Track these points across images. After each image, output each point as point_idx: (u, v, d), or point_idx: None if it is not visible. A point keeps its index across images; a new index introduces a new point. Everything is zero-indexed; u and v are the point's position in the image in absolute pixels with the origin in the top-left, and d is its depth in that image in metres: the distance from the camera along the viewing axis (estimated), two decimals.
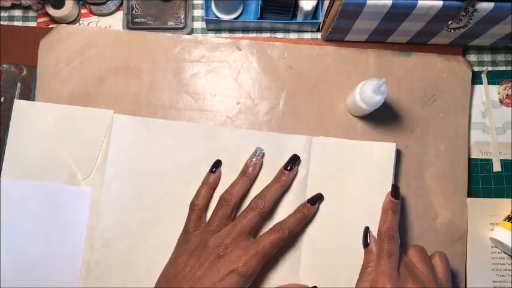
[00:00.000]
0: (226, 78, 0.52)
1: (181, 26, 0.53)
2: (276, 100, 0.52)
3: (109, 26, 0.54)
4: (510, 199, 0.51)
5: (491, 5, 0.43)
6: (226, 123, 0.51)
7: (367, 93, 0.44)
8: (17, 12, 0.55)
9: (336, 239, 0.47)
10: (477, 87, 0.54)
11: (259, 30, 0.54)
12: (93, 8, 0.53)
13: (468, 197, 0.50)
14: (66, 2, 0.52)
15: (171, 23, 0.53)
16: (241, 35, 0.54)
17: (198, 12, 0.55)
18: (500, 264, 0.50)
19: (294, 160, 0.48)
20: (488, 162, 0.52)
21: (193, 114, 0.51)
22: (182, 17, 0.53)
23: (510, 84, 0.53)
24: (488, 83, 0.53)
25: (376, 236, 0.45)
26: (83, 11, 0.55)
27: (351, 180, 0.48)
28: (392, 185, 0.46)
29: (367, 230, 0.45)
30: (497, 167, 0.52)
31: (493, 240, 0.49)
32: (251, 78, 0.52)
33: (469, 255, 0.49)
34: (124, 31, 0.53)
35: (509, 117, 0.53)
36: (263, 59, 0.52)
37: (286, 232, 0.44)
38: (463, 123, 0.52)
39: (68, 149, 0.50)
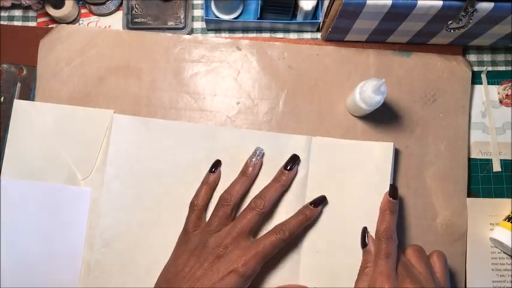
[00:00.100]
0: (226, 78, 0.52)
1: (181, 26, 0.53)
2: (276, 100, 0.52)
3: (109, 26, 0.54)
4: (510, 199, 0.51)
5: (491, 5, 0.43)
6: (226, 123, 0.51)
7: (367, 93, 0.44)
8: (17, 12, 0.55)
9: (336, 239, 0.47)
10: (477, 87, 0.54)
11: (259, 30, 0.54)
12: (93, 8, 0.53)
13: (468, 197, 0.50)
14: (66, 2, 0.52)
15: (171, 23, 0.53)
16: (241, 35, 0.54)
17: (198, 12, 0.55)
18: (500, 264, 0.50)
19: (294, 160, 0.48)
20: (488, 162, 0.52)
21: (193, 114, 0.51)
22: (182, 17, 0.53)
23: (510, 84, 0.53)
24: (488, 83, 0.53)
25: (374, 236, 0.45)
26: (83, 11, 0.55)
27: (351, 180, 0.48)
28: (390, 185, 0.46)
29: (365, 230, 0.45)
30: (497, 167, 0.52)
31: (493, 240, 0.49)
32: (251, 78, 0.52)
33: (469, 255, 0.49)
34: (124, 31, 0.53)
35: (509, 117, 0.53)
36: (263, 59, 0.52)
37: (287, 233, 0.44)
38: (463, 123, 0.52)
39: (67, 149, 0.50)
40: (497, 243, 0.49)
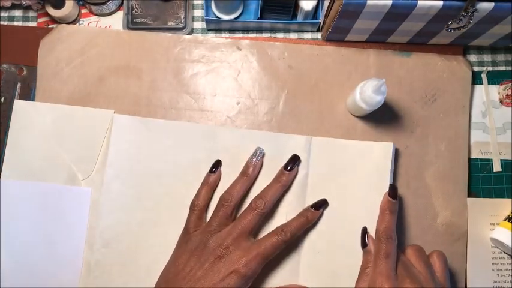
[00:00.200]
0: (227, 78, 0.52)
1: (181, 26, 0.53)
2: (276, 100, 0.52)
3: (109, 26, 0.54)
4: (510, 199, 0.51)
5: (491, 5, 0.43)
6: (226, 123, 0.51)
7: (367, 93, 0.44)
8: (17, 12, 0.55)
9: (336, 240, 0.47)
10: (477, 87, 0.54)
11: (259, 30, 0.54)
12: (93, 8, 0.53)
13: (468, 197, 0.50)
14: (66, 2, 0.52)
15: (171, 23, 0.53)
16: (241, 35, 0.54)
17: (198, 12, 0.55)
18: (501, 264, 0.50)
19: (294, 160, 0.48)
20: (488, 162, 0.52)
21: (193, 114, 0.51)
22: (182, 17, 0.53)
23: (510, 84, 0.53)
24: (489, 83, 0.53)
25: (374, 236, 0.45)
26: (83, 11, 0.55)
27: (351, 180, 0.48)
28: (390, 184, 0.46)
29: (365, 230, 0.45)
30: (497, 167, 0.52)
31: (493, 240, 0.49)
32: (251, 78, 0.52)
33: (469, 255, 0.49)
34: (124, 31, 0.53)
35: (509, 117, 0.53)
36: (263, 59, 0.52)
37: (288, 235, 0.44)
38: (463, 123, 0.52)
39: (67, 149, 0.50)
40: (497, 243, 0.49)
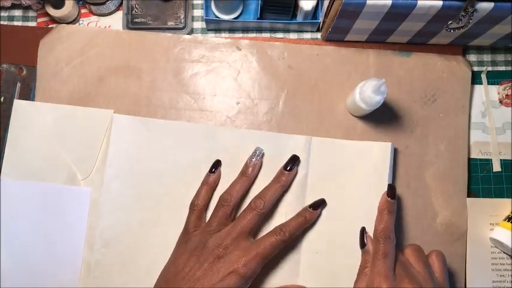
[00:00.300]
0: (226, 78, 0.52)
1: (181, 26, 0.53)
2: (276, 100, 0.52)
3: (109, 26, 0.54)
4: (510, 199, 0.51)
5: (491, 5, 0.43)
6: (226, 123, 0.51)
7: (367, 93, 0.44)
8: (17, 12, 0.55)
9: (335, 240, 0.47)
10: (477, 87, 0.54)
11: (259, 30, 0.54)
12: (93, 8, 0.53)
13: (468, 197, 0.50)
14: (66, 2, 0.52)
15: (171, 23, 0.53)
16: (241, 35, 0.54)
17: (198, 12, 0.55)
18: (500, 264, 0.50)
19: (294, 160, 0.48)
20: (488, 162, 0.52)
21: (193, 114, 0.51)
22: (182, 17, 0.53)
23: (510, 84, 0.53)
24: (488, 83, 0.53)
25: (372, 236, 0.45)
26: (83, 11, 0.55)
27: (350, 180, 0.48)
28: (388, 184, 0.46)
29: (363, 231, 0.45)
30: (497, 167, 0.52)
31: (493, 240, 0.49)
32: (251, 78, 0.52)
33: (469, 255, 0.49)
34: (124, 31, 0.53)
35: (509, 117, 0.53)
36: (263, 59, 0.52)
37: (287, 235, 0.44)
38: (463, 123, 0.52)
39: (67, 149, 0.50)
40: (497, 243, 0.49)
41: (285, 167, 0.47)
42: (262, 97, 0.52)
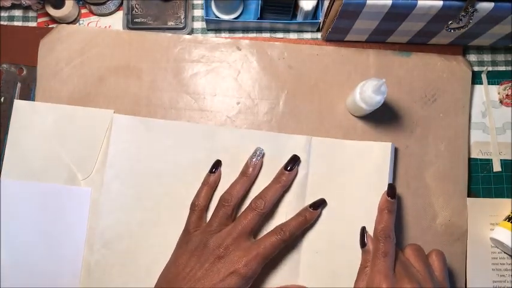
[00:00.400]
0: (226, 78, 0.52)
1: (181, 26, 0.53)
2: (276, 100, 0.52)
3: (109, 26, 0.54)
4: (510, 199, 0.51)
5: (491, 5, 0.43)
6: (226, 123, 0.51)
7: (367, 93, 0.44)
8: (17, 12, 0.55)
9: (335, 239, 0.47)
10: (477, 87, 0.54)
11: (259, 30, 0.54)
12: (93, 8, 0.53)
13: (468, 197, 0.50)
14: (66, 2, 0.52)
15: (171, 23, 0.53)
16: (241, 35, 0.54)
17: (198, 12, 0.55)
18: (501, 264, 0.50)
19: (294, 160, 0.48)
20: (488, 162, 0.52)
21: (193, 114, 0.51)
22: (182, 17, 0.53)
23: (510, 84, 0.53)
24: (488, 83, 0.53)
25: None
26: (83, 11, 0.55)
27: (350, 180, 0.48)
28: (388, 184, 0.46)
29: (363, 230, 0.45)
30: (497, 167, 0.52)
31: (493, 240, 0.49)
32: (251, 78, 0.52)
33: (469, 255, 0.49)
34: (124, 31, 0.53)
35: (509, 117, 0.53)
36: (263, 59, 0.52)
37: (288, 234, 0.44)
38: (463, 123, 0.52)
39: (67, 149, 0.50)
40: (497, 243, 0.49)
41: (285, 167, 0.47)
42: (263, 97, 0.52)
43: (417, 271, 0.42)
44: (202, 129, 0.50)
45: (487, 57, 0.54)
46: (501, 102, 0.53)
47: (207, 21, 0.53)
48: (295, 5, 0.51)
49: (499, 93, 0.53)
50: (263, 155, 0.49)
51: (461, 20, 0.44)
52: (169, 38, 0.52)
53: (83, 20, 0.55)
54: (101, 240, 0.48)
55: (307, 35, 0.54)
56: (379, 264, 0.41)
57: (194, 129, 0.50)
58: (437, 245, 0.49)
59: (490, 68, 0.54)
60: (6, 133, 0.50)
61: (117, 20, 0.54)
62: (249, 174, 0.47)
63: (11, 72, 0.53)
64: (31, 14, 0.55)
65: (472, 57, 0.54)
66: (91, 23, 0.55)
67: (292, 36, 0.54)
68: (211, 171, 0.48)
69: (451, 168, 0.51)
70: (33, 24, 0.55)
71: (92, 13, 0.55)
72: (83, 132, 0.50)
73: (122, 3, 0.54)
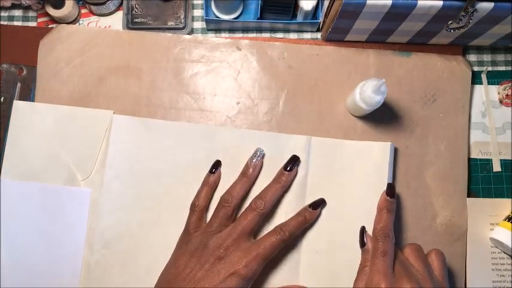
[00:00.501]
0: (226, 78, 0.52)
1: (181, 26, 0.53)
2: (276, 100, 0.52)
3: (109, 26, 0.54)
4: (510, 199, 0.51)
5: (491, 5, 0.43)
6: (226, 123, 0.51)
7: (367, 93, 0.44)
8: (17, 12, 0.55)
9: (335, 239, 0.47)
10: (477, 87, 0.54)
11: (259, 30, 0.54)
12: (93, 8, 0.53)
13: (468, 197, 0.50)
14: (66, 2, 0.52)
15: (171, 23, 0.53)
16: (241, 35, 0.54)
17: (198, 12, 0.55)
18: (500, 264, 0.50)
19: (294, 161, 0.48)
20: (488, 162, 0.52)
21: (193, 114, 0.51)
22: (182, 17, 0.53)
23: (510, 84, 0.53)
24: (488, 83, 0.53)
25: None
26: (83, 11, 0.55)
27: (350, 180, 0.48)
28: (387, 183, 0.46)
29: (363, 230, 0.45)
30: (497, 167, 0.52)
31: (493, 240, 0.49)
32: (251, 78, 0.52)
33: (469, 255, 0.49)
34: (124, 31, 0.53)
35: (509, 117, 0.53)
36: (263, 59, 0.52)
37: (287, 234, 0.44)
38: (463, 123, 0.52)
39: (67, 150, 0.50)
40: (497, 243, 0.49)
41: (285, 167, 0.47)
42: (262, 97, 0.52)
43: (416, 271, 0.42)
44: (202, 129, 0.50)
45: (487, 57, 0.54)
46: (501, 102, 0.53)
47: (207, 21, 0.53)
48: (295, 5, 0.51)
49: (498, 93, 0.53)
50: (263, 155, 0.49)
51: (461, 20, 0.44)
52: (169, 38, 0.52)
53: (83, 20, 0.55)
54: (100, 240, 0.48)
55: (307, 35, 0.54)
56: (378, 264, 0.41)
57: (194, 129, 0.50)
58: (437, 245, 0.49)
59: (490, 68, 0.54)
60: (6, 133, 0.50)
61: (117, 20, 0.54)
62: (249, 174, 0.47)
63: (11, 72, 0.53)
64: (31, 14, 0.55)
65: (472, 57, 0.54)
66: (91, 23, 0.55)
67: (292, 36, 0.54)
68: (211, 172, 0.48)
69: (451, 168, 0.51)
70: (33, 24, 0.55)
71: (92, 13, 0.55)
72: (83, 132, 0.50)
73: (121, 3, 0.54)
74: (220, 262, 0.42)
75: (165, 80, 0.52)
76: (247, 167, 0.48)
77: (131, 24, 0.53)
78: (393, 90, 0.51)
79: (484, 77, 0.54)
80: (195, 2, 0.55)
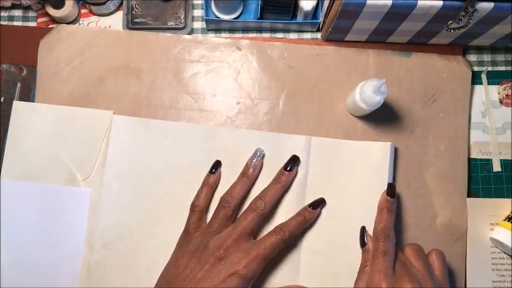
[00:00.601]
0: (226, 78, 0.52)
1: (181, 26, 0.53)
2: (276, 100, 0.52)
3: (109, 26, 0.54)
4: (510, 199, 0.51)
5: (491, 5, 0.43)
6: (226, 123, 0.51)
7: (367, 93, 0.44)
8: (17, 12, 0.55)
9: (335, 239, 0.47)
10: (477, 87, 0.54)
11: (259, 30, 0.54)
12: (93, 8, 0.53)
13: (468, 197, 0.50)
14: (66, 2, 0.52)
15: (171, 23, 0.53)
16: (241, 35, 0.54)
17: (198, 12, 0.55)
18: (500, 264, 0.50)
19: (294, 161, 0.48)
20: (488, 162, 0.52)
21: (193, 114, 0.51)
22: (182, 17, 0.53)
23: (510, 84, 0.53)
24: (488, 83, 0.53)
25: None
26: (83, 11, 0.55)
27: (350, 180, 0.48)
28: (388, 183, 0.46)
29: (363, 230, 0.45)
30: (497, 167, 0.52)
31: (493, 240, 0.49)
32: (251, 78, 0.52)
33: (469, 255, 0.49)
34: (124, 31, 0.53)
35: (509, 117, 0.53)
36: (263, 59, 0.52)
37: (287, 234, 0.44)
38: (463, 123, 0.52)
39: (67, 150, 0.50)
40: (497, 243, 0.49)
41: (285, 168, 0.47)
42: (262, 97, 0.52)
43: (417, 270, 0.42)
44: (202, 129, 0.50)
45: (487, 57, 0.54)
46: (501, 102, 0.53)
47: (207, 21, 0.53)
48: (295, 5, 0.51)
49: (498, 93, 0.53)
50: (263, 155, 0.49)
51: (461, 20, 0.44)
52: (169, 38, 0.52)
53: (83, 20, 0.55)
54: (100, 240, 0.48)
55: (307, 35, 0.54)
56: (379, 264, 0.41)
57: (194, 129, 0.50)
58: (437, 245, 0.49)
59: (490, 68, 0.54)
60: (6, 133, 0.50)
61: (117, 20, 0.54)
62: (249, 175, 0.47)
63: (11, 72, 0.53)
64: (31, 14, 0.55)
65: (472, 57, 0.54)
66: (91, 23, 0.55)
67: (292, 36, 0.54)
68: (211, 172, 0.48)
69: (451, 168, 0.51)
70: (33, 24, 0.55)
71: (92, 13, 0.55)
72: (83, 132, 0.50)
73: (121, 3, 0.54)
74: (220, 262, 0.42)
75: (165, 80, 0.52)
76: (247, 167, 0.48)
77: (131, 24, 0.53)
78: (393, 90, 0.51)
79: (484, 77, 0.54)
80: (195, 2, 0.55)
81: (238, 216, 0.45)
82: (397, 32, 0.49)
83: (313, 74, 0.52)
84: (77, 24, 0.55)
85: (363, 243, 0.45)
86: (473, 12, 0.43)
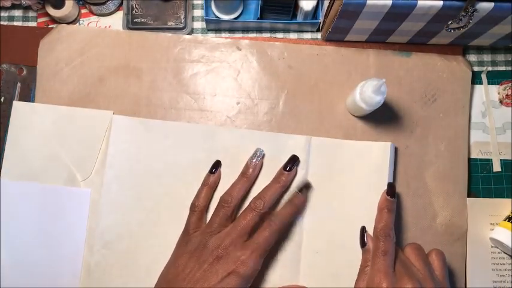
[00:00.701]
0: (226, 78, 0.52)
1: (181, 26, 0.53)
2: (276, 100, 0.52)
3: (109, 26, 0.54)
4: (510, 199, 0.51)
5: (491, 5, 0.43)
6: (226, 123, 0.51)
7: (367, 93, 0.44)
8: (17, 12, 0.55)
9: (335, 239, 0.47)
10: (477, 87, 0.54)
11: (259, 30, 0.54)
12: (93, 8, 0.53)
13: (468, 197, 0.50)
14: (66, 2, 0.52)
15: (171, 23, 0.53)
16: (241, 35, 0.54)
17: (198, 12, 0.55)
18: (500, 264, 0.50)
19: (294, 161, 0.48)
20: (488, 162, 0.52)
21: (193, 114, 0.51)
22: (182, 17, 0.53)
23: (510, 84, 0.53)
24: (488, 83, 0.53)
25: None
26: (83, 11, 0.55)
27: (350, 180, 0.48)
28: (388, 183, 0.46)
29: (363, 230, 0.45)
30: (497, 167, 0.52)
31: (493, 240, 0.49)
32: (251, 78, 0.52)
33: (469, 255, 0.49)
34: (124, 31, 0.53)
35: (509, 117, 0.53)
36: (263, 59, 0.52)
37: (277, 222, 0.44)
38: (463, 123, 0.52)
39: (67, 150, 0.50)
40: (497, 243, 0.49)
41: (284, 167, 0.47)
42: (262, 97, 0.52)
43: (417, 270, 0.42)
44: (202, 129, 0.50)
45: (487, 57, 0.54)
46: (501, 102, 0.53)
47: (207, 21, 0.53)
48: (295, 5, 0.51)
49: (499, 93, 0.53)
50: (263, 155, 0.49)
51: (461, 20, 0.44)
52: (169, 38, 0.52)
53: (83, 20, 0.55)
54: (100, 240, 0.48)
55: (307, 35, 0.54)
56: (379, 263, 0.41)
57: (194, 129, 0.50)
58: (437, 245, 0.49)
59: (490, 68, 0.54)
60: (6, 133, 0.50)
61: (117, 20, 0.54)
62: (249, 175, 0.47)
63: (11, 72, 0.53)
64: (31, 14, 0.55)
65: (472, 57, 0.54)
66: (91, 23, 0.55)
67: (292, 36, 0.54)
68: (211, 172, 0.48)
69: (451, 168, 0.51)
70: (33, 24, 0.55)
71: (92, 13, 0.55)
72: (83, 133, 0.50)
73: (121, 3, 0.54)
74: (218, 262, 0.42)
75: (165, 80, 0.52)
76: (247, 167, 0.48)
77: (131, 24, 0.53)
78: (393, 90, 0.51)
79: (484, 77, 0.54)
80: (195, 2, 0.55)
81: (238, 215, 0.45)
82: (397, 32, 0.49)
83: (313, 74, 0.52)
84: (77, 24, 0.55)
85: (363, 243, 0.45)
86: (473, 12, 0.43)
